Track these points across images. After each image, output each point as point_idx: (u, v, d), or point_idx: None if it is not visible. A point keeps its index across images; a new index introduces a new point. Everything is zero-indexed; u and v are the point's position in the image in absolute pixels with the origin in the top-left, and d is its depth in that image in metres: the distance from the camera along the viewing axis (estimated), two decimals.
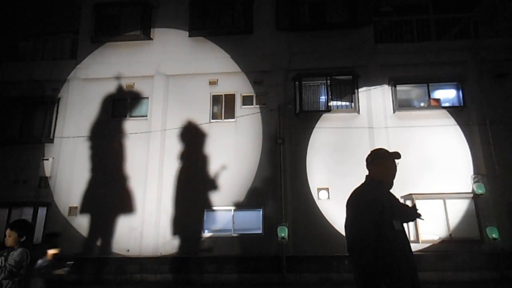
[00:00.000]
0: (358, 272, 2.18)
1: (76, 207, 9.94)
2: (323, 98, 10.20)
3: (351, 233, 2.29)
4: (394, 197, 2.53)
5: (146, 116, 10.54)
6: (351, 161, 9.15)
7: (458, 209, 9.04)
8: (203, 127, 10.28)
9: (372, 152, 2.63)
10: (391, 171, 2.49)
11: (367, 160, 2.59)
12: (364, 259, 2.17)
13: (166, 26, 11.09)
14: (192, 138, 10.25)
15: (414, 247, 8.25)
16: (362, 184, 2.52)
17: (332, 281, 8.42)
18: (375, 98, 10.04)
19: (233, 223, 9.54)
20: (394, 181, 2.53)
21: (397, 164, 2.52)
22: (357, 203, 2.38)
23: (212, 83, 10.58)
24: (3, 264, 3.19)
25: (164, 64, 10.73)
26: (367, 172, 2.58)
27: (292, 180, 9.69)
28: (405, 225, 2.55)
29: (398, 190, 8.79)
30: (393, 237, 2.26)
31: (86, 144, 10.44)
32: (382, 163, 2.50)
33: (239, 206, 9.64)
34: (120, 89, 10.81)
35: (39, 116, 10.56)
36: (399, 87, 10.08)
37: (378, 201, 2.33)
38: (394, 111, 9.94)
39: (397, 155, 2.51)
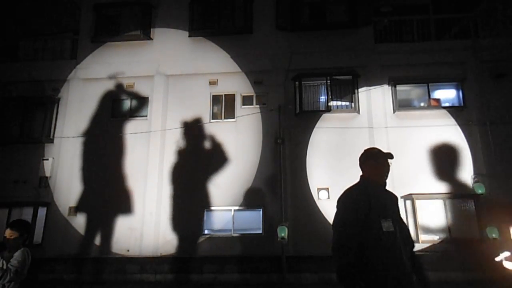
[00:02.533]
0: (336, 271, 2.15)
1: (76, 207, 9.94)
2: (323, 98, 10.19)
3: (334, 231, 2.28)
4: (394, 198, 2.50)
5: (146, 116, 10.54)
6: (351, 161, 9.05)
7: (458, 209, 9.03)
8: (203, 127, 10.28)
9: (364, 151, 2.62)
10: (384, 171, 2.48)
11: (360, 159, 2.58)
12: (344, 258, 2.14)
13: (166, 26, 11.08)
14: (192, 138, 10.26)
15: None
16: (355, 184, 2.51)
17: (332, 281, 8.41)
18: (375, 98, 10.04)
19: (233, 223, 9.54)
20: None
21: (390, 164, 2.52)
22: (343, 201, 2.37)
23: (212, 83, 10.58)
24: (5, 267, 3.09)
25: (164, 64, 10.73)
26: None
27: (292, 180, 9.69)
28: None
29: (398, 190, 8.77)
30: (379, 237, 2.21)
31: (86, 144, 10.44)
32: (374, 163, 2.49)
33: (239, 206, 9.64)
34: (120, 89, 10.81)
35: (39, 116, 10.56)
36: (399, 87, 10.08)
37: (364, 199, 2.29)
38: (394, 111, 9.94)
39: (389, 155, 2.51)
